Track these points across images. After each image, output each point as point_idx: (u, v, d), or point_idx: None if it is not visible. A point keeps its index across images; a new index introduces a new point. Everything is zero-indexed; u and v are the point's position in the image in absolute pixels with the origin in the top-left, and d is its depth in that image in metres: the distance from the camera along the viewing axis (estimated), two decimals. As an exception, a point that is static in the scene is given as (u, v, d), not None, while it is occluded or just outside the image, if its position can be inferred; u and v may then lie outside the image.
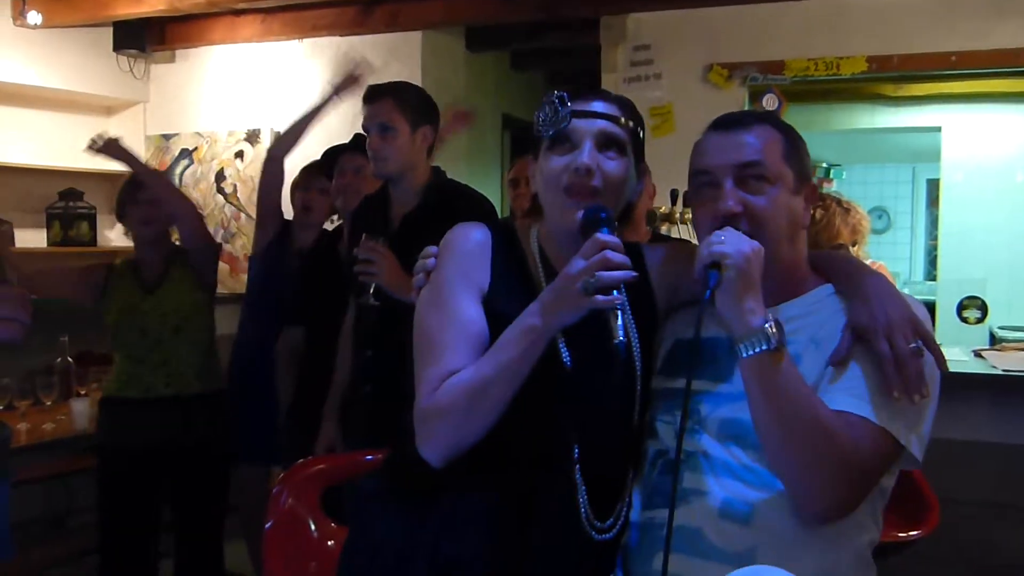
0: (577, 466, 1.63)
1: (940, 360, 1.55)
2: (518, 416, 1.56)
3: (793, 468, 1.48)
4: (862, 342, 1.53)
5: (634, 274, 1.46)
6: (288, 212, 4.04)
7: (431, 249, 1.76)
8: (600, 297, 1.42)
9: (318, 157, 3.87)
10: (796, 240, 1.66)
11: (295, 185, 3.99)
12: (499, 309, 1.62)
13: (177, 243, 3.66)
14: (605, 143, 1.64)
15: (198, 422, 3.55)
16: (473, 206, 2.93)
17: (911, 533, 2.30)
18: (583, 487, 1.63)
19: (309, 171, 3.98)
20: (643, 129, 1.74)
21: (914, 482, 2.39)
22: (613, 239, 1.47)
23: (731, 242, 1.50)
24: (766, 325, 1.46)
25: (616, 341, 1.43)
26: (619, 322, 1.43)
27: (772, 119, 1.70)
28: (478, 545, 1.60)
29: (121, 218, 3.56)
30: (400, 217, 2.94)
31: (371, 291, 2.81)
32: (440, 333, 1.63)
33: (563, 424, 1.63)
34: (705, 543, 1.54)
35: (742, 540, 1.52)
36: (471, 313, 1.63)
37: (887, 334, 1.51)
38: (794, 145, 1.66)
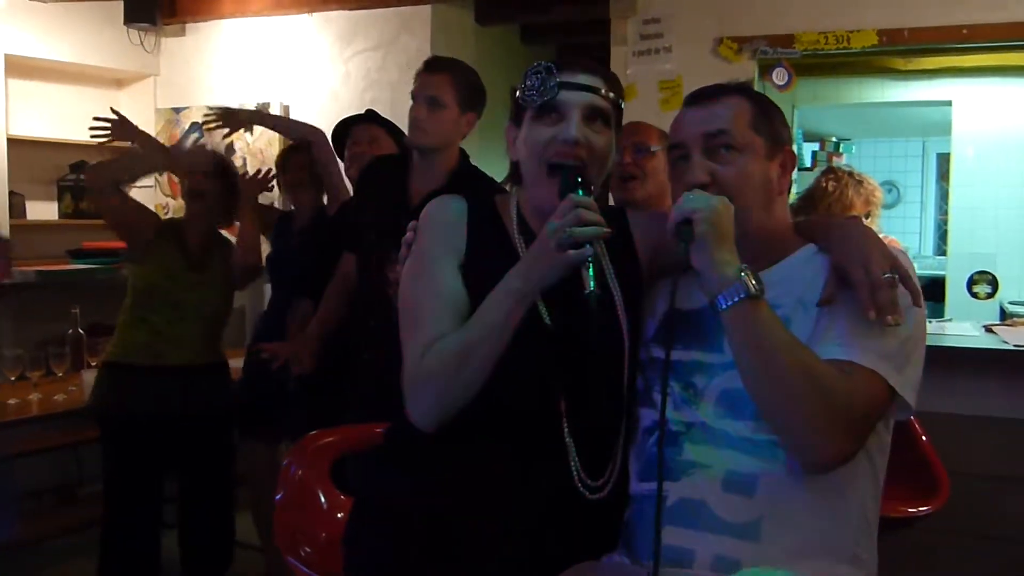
0: (565, 425, 1.65)
1: (916, 296, 1.56)
2: (506, 377, 1.59)
3: (785, 416, 1.48)
4: (846, 288, 1.55)
5: (607, 230, 1.50)
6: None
7: (412, 224, 1.80)
8: (572, 251, 1.47)
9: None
10: (773, 206, 1.68)
11: (278, 169, 4.02)
12: (478, 275, 1.67)
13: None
14: (591, 115, 1.67)
15: (203, 392, 3.59)
16: (491, 192, 2.92)
17: (921, 508, 2.30)
18: (573, 446, 1.65)
19: (286, 154, 4.05)
20: (623, 101, 1.76)
21: (924, 456, 2.39)
22: (586, 199, 1.52)
23: (699, 199, 1.53)
24: (741, 273, 1.47)
25: (587, 292, 1.47)
26: (590, 272, 1.48)
27: (743, 90, 1.72)
28: (474, 503, 1.64)
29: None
30: (422, 194, 2.90)
31: None
32: (422, 302, 1.68)
33: (549, 383, 1.66)
34: (709, 515, 1.54)
35: (747, 511, 1.53)
36: (451, 281, 1.68)
37: (863, 263, 1.53)
38: (764, 113, 1.68)
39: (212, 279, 3.59)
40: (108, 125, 3.68)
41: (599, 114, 1.68)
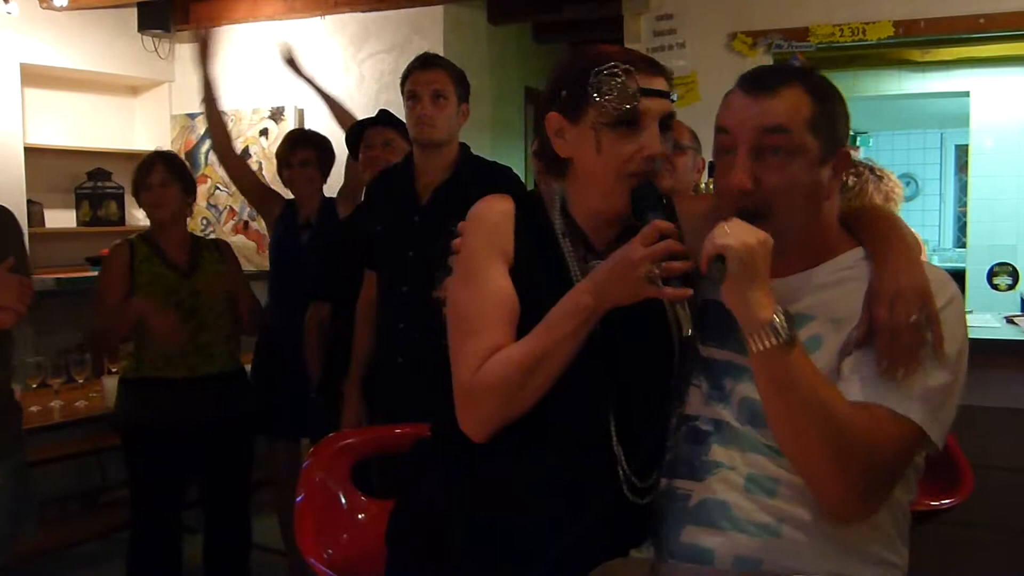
0: (614, 432, 1.62)
1: (937, 339, 1.46)
2: (556, 385, 1.55)
3: (807, 471, 1.44)
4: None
5: (693, 264, 1.43)
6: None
7: (462, 226, 1.74)
8: (671, 289, 1.42)
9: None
10: (819, 210, 1.57)
11: (279, 162, 4.03)
12: (526, 278, 1.62)
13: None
14: (664, 123, 1.60)
15: (223, 400, 3.59)
16: (501, 178, 2.96)
17: (944, 501, 2.29)
18: (622, 454, 1.62)
19: (289, 147, 4.03)
20: None
21: (947, 449, 2.37)
22: (671, 226, 1.45)
23: (735, 234, 1.41)
24: (775, 318, 1.39)
25: (686, 335, 1.46)
26: (687, 313, 1.45)
27: (807, 78, 1.56)
28: (516, 511, 1.62)
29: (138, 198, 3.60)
30: (430, 189, 2.94)
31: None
32: (473, 307, 1.62)
33: (600, 391, 1.62)
34: (731, 515, 1.52)
35: (770, 512, 1.50)
36: (501, 285, 1.62)
37: (891, 300, 1.46)
38: (825, 110, 1.53)
39: (207, 280, 3.56)
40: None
41: (669, 119, 1.61)
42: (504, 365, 1.54)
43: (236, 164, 4.24)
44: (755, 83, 1.55)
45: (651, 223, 1.45)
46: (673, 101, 1.63)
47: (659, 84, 1.59)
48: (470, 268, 1.66)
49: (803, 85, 1.54)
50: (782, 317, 1.40)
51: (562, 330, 1.52)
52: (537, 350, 1.53)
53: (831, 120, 1.55)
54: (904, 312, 1.44)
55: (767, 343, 1.40)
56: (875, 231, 1.62)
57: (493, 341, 1.57)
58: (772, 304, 1.41)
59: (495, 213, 1.68)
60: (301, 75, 4.36)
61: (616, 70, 1.57)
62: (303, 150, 3.95)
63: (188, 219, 3.75)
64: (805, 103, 1.52)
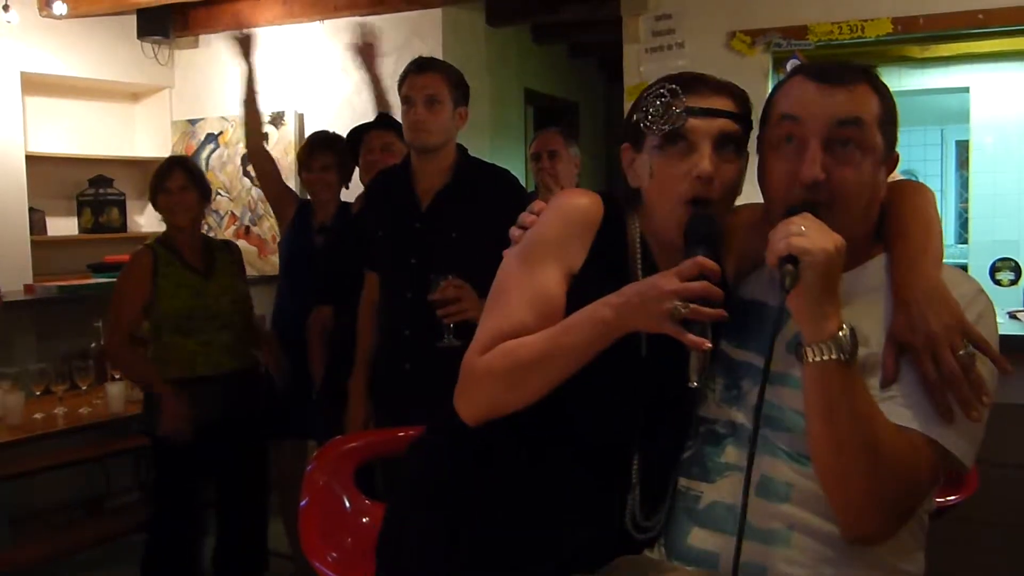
0: (636, 462, 1.60)
1: (999, 362, 1.41)
2: (588, 399, 1.54)
3: (838, 486, 1.40)
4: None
5: (725, 315, 1.36)
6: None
7: (537, 204, 1.71)
8: (692, 336, 1.34)
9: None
10: (870, 213, 1.53)
11: (299, 165, 4.05)
12: (587, 290, 1.54)
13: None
14: (722, 142, 1.53)
15: (246, 396, 3.69)
16: (500, 181, 2.95)
17: (949, 498, 2.29)
18: (638, 486, 1.60)
19: (309, 150, 4.03)
20: (751, 117, 1.60)
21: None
22: (714, 265, 1.37)
23: (812, 235, 1.32)
24: (841, 334, 1.33)
25: (691, 384, 1.39)
26: (699, 364, 1.37)
27: (871, 78, 1.52)
28: (520, 513, 1.60)
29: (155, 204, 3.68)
30: (431, 193, 2.93)
31: (451, 331, 2.72)
32: (515, 290, 1.58)
33: (631, 415, 1.59)
34: (738, 520, 1.47)
35: (779, 518, 1.47)
36: (551, 284, 1.56)
37: (931, 349, 1.38)
38: (890, 111, 1.51)
39: (224, 282, 3.67)
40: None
41: (731, 139, 1.53)
42: (508, 355, 1.51)
43: (265, 160, 4.27)
44: (827, 75, 1.49)
45: (694, 258, 1.38)
46: (742, 119, 1.56)
47: (714, 103, 1.53)
48: (533, 253, 1.60)
49: (870, 83, 1.51)
50: (848, 332, 1.34)
51: (574, 337, 1.47)
52: (544, 349, 1.48)
53: (893, 121, 1.52)
54: (949, 357, 1.37)
55: (828, 356, 1.34)
56: (901, 247, 1.54)
57: (515, 329, 1.53)
58: (840, 316, 1.35)
59: (580, 212, 1.62)
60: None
61: (662, 90, 1.55)
62: (323, 155, 3.95)
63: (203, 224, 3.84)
64: (875, 100, 1.49)
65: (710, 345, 1.34)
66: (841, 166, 1.45)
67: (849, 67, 1.51)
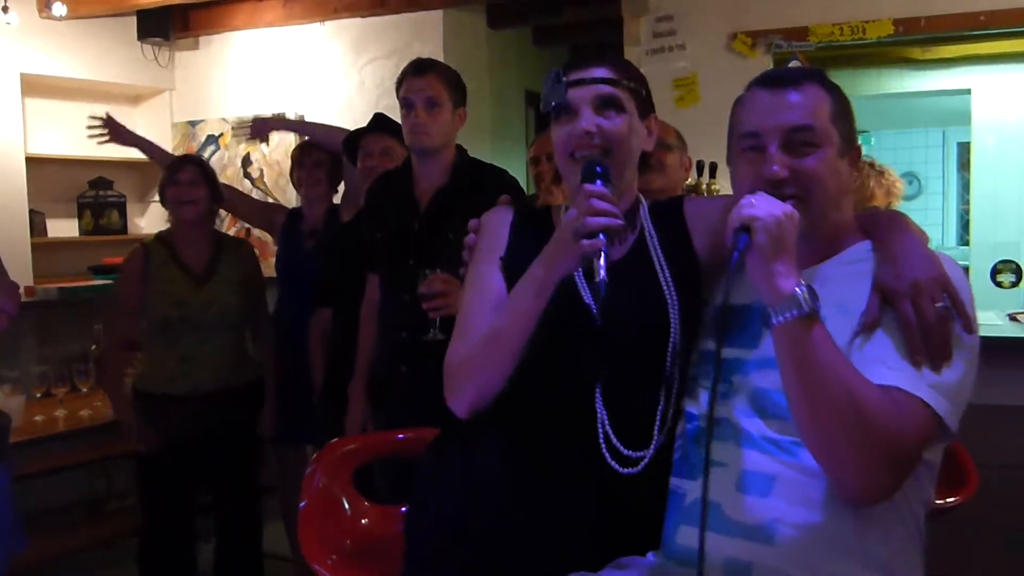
0: (599, 398, 1.67)
1: (967, 323, 1.47)
2: (544, 359, 1.66)
3: (827, 448, 1.42)
4: (892, 306, 1.48)
5: (618, 221, 1.54)
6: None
7: (473, 223, 1.91)
8: (584, 241, 1.52)
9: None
10: (842, 204, 1.62)
11: (293, 163, 4.06)
12: (516, 270, 1.71)
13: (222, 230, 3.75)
14: (603, 105, 1.72)
15: (235, 412, 3.61)
16: (499, 181, 2.94)
17: (948, 500, 2.28)
18: (605, 418, 1.66)
19: (302, 148, 4.07)
20: (643, 84, 1.80)
21: (951, 447, 2.36)
22: (600, 188, 1.57)
23: (761, 205, 1.44)
24: (797, 290, 1.40)
25: (597, 280, 1.51)
26: (601, 262, 1.51)
27: (820, 77, 1.64)
28: (502, 469, 1.69)
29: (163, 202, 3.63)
30: (430, 194, 2.93)
31: (437, 325, 2.71)
32: (469, 304, 1.78)
33: (587, 366, 1.68)
34: (721, 516, 1.50)
35: (761, 512, 1.48)
36: (493, 281, 1.77)
37: (912, 296, 1.46)
38: (842, 106, 1.62)
39: (222, 289, 3.58)
40: (103, 127, 3.93)
41: (611, 102, 1.72)
42: (475, 339, 1.69)
43: (236, 205, 4.36)
44: (775, 81, 1.63)
45: (581, 188, 1.59)
46: (624, 84, 1.74)
47: (590, 73, 1.73)
48: (471, 272, 1.83)
49: (819, 83, 1.62)
50: (805, 288, 1.41)
51: (518, 303, 1.65)
52: (500, 323, 1.67)
53: (846, 114, 1.63)
54: (929, 305, 1.45)
55: (789, 315, 1.40)
56: (879, 223, 1.65)
57: (475, 325, 1.72)
58: (796, 276, 1.43)
59: (493, 218, 1.88)
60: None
61: (548, 77, 1.74)
62: (316, 151, 3.97)
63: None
64: (825, 99, 1.60)
65: (602, 242, 1.51)
66: (802, 159, 1.56)
67: (800, 69, 1.67)
